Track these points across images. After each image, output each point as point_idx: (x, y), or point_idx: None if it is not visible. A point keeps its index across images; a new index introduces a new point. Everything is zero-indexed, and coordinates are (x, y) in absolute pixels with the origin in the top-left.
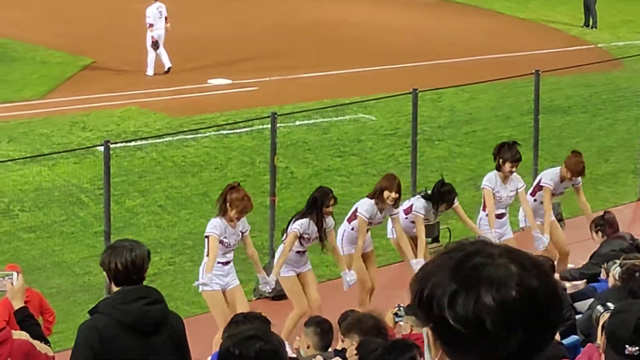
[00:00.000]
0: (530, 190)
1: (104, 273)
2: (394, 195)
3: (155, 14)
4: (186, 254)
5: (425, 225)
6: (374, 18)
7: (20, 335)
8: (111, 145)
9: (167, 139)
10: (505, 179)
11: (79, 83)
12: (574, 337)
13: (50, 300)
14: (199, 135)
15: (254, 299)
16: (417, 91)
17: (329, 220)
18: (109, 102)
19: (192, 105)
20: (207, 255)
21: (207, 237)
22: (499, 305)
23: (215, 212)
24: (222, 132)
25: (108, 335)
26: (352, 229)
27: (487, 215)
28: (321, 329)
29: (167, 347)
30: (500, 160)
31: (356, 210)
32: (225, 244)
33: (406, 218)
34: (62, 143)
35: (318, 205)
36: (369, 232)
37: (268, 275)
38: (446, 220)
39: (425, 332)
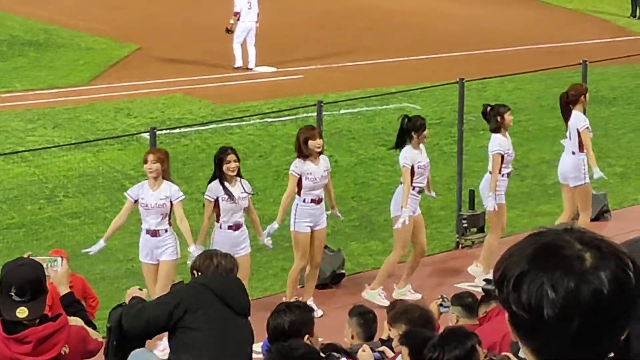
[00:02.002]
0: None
1: (193, 273)
2: None
3: (244, 4)
4: None
5: (471, 215)
6: (421, 6)
7: (76, 321)
8: (156, 132)
9: (211, 126)
10: (505, 134)
11: (123, 69)
12: None
13: (95, 286)
14: (244, 122)
15: (299, 287)
16: (463, 81)
17: (247, 186)
18: (153, 89)
19: (236, 93)
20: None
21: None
22: (561, 294)
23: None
24: (266, 120)
25: (199, 296)
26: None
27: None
28: (364, 319)
29: (247, 335)
30: (499, 117)
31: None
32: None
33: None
34: (107, 129)
35: (219, 163)
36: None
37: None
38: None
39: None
